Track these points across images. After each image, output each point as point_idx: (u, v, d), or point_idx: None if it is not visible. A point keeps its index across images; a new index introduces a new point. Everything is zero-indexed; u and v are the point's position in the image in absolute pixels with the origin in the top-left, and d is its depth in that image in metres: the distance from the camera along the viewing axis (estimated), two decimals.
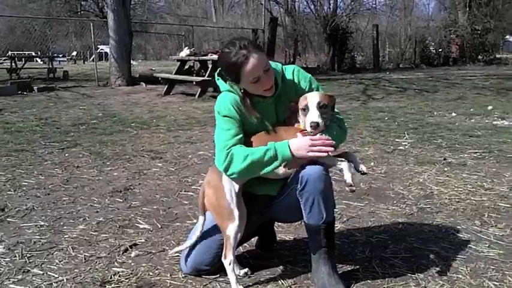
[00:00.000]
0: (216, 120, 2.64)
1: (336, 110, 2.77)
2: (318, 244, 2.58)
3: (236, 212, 2.55)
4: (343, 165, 2.47)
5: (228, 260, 2.58)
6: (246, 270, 2.80)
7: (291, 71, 2.71)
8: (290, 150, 2.44)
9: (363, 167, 2.55)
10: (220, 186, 2.59)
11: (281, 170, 2.56)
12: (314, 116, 2.47)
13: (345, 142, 2.86)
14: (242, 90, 2.58)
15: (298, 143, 2.44)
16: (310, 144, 2.41)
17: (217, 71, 2.67)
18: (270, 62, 2.61)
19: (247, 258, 2.99)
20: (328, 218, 2.53)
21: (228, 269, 2.59)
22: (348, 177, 2.44)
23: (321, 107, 2.51)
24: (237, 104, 2.58)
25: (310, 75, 2.76)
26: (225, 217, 2.57)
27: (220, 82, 2.66)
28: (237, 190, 2.58)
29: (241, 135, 2.55)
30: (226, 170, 2.51)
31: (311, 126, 2.46)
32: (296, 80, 2.70)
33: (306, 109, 2.51)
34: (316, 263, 2.60)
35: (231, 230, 2.55)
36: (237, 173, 2.49)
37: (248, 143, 2.56)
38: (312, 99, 2.52)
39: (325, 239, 2.56)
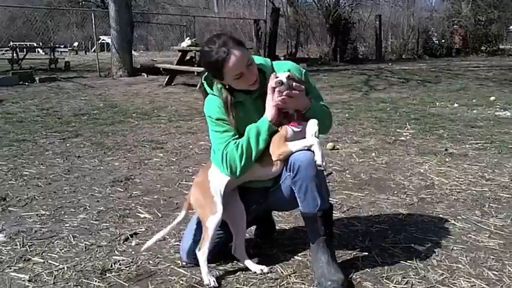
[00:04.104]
0: (208, 125, 2.68)
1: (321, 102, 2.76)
2: (316, 233, 2.58)
3: (219, 206, 2.56)
4: (315, 146, 2.48)
5: (201, 251, 2.60)
6: (262, 267, 2.75)
7: (285, 68, 2.70)
8: (265, 118, 2.53)
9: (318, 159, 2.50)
10: (205, 183, 2.63)
11: (274, 169, 2.61)
12: (281, 75, 2.51)
13: (329, 129, 2.85)
14: (227, 87, 2.61)
15: (267, 108, 2.55)
16: (272, 98, 2.52)
17: (203, 76, 2.69)
18: (258, 57, 2.67)
19: (246, 248, 2.99)
20: (323, 205, 2.53)
21: (201, 259, 2.60)
22: (318, 157, 2.45)
23: (289, 79, 2.52)
24: (222, 106, 2.62)
25: (304, 70, 2.77)
26: (207, 209, 2.59)
27: (206, 86, 2.69)
28: (222, 187, 2.60)
29: (237, 135, 2.59)
30: (232, 173, 2.56)
31: (275, 82, 2.48)
32: None
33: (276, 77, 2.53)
34: (315, 252, 2.61)
35: (212, 222, 2.57)
36: (241, 170, 2.55)
37: None
38: (283, 73, 2.56)
39: (323, 227, 2.56)
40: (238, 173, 2.55)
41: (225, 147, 2.55)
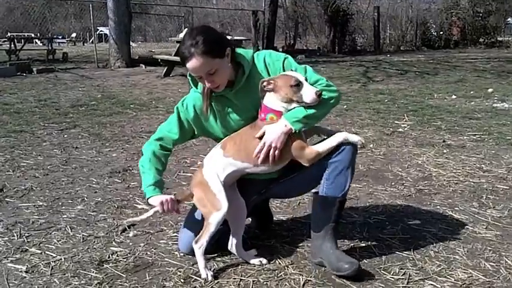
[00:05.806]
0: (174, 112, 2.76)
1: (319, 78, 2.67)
2: (327, 218, 2.61)
3: (224, 203, 2.52)
4: (346, 137, 2.53)
5: (199, 244, 2.57)
6: (261, 259, 2.75)
7: (262, 58, 2.68)
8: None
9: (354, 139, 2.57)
10: (204, 181, 2.60)
11: (260, 168, 2.60)
12: (313, 88, 2.50)
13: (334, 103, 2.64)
14: None
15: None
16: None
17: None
18: (239, 49, 2.63)
19: (244, 238, 2.99)
20: (346, 192, 2.60)
21: (197, 252, 2.59)
22: (355, 139, 2.53)
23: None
24: (199, 106, 2.69)
25: (285, 55, 2.71)
26: (210, 207, 2.55)
27: (190, 82, 2.71)
28: (221, 182, 2.57)
29: (175, 138, 2.74)
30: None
31: (318, 96, 2.48)
32: (268, 64, 2.67)
33: (299, 84, 2.49)
34: (321, 240, 2.61)
35: (215, 218, 2.53)
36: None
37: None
38: (299, 75, 2.53)
39: (337, 213, 2.61)
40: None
41: (156, 138, 2.76)
